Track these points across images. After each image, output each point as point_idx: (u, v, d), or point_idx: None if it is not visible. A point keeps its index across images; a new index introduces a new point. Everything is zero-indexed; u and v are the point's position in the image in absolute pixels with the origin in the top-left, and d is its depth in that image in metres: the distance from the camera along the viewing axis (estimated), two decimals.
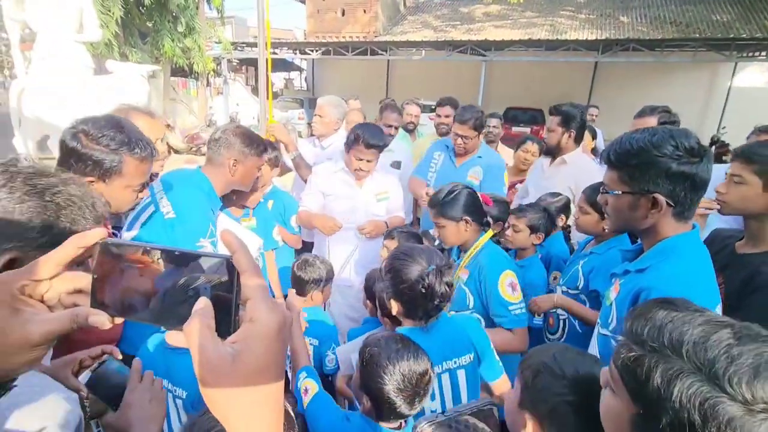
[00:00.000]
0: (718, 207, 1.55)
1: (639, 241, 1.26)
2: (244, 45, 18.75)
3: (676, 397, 0.51)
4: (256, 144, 1.84)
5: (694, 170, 1.05)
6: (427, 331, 1.32)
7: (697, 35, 13.93)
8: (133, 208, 1.70)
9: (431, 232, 2.26)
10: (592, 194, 1.79)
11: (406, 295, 1.29)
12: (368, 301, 1.92)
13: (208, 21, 14.53)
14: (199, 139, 10.47)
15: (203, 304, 0.40)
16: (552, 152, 2.67)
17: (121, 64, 4.09)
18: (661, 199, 1.08)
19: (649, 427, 0.53)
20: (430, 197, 1.84)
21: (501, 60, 15.94)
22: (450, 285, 1.30)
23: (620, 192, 1.14)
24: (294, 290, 1.81)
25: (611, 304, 1.22)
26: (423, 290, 1.25)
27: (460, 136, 2.69)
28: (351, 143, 2.29)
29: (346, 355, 1.65)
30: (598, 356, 1.15)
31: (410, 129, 4.30)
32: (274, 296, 2.42)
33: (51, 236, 0.68)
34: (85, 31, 3.89)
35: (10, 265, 0.64)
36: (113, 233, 1.50)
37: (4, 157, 0.76)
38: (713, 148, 10.05)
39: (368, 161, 2.31)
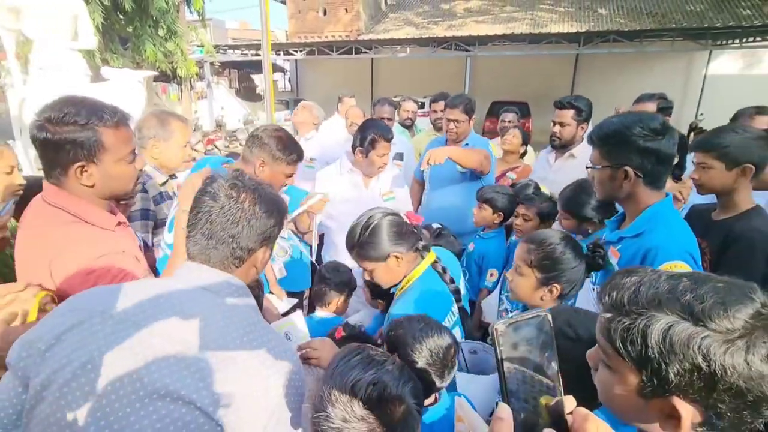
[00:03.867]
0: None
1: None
2: (226, 48, 18.57)
3: (677, 347, 0.54)
4: (290, 151, 1.81)
5: (657, 146, 1.28)
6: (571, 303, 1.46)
7: (674, 25, 14.33)
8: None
9: (433, 225, 2.30)
10: None
11: (573, 278, 1.34)
12: (365, 288, 1.91)
13: (188, 24, 14.35)
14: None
15: None
16: (564, 146, 2.69)
17: (117, 70, 4.06)
18: (630, 170, 1.32)
19: (658, 387, 0.57)
20: (347, 239, 1.47)
21: (484, 55, 16.12)
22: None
23: (601, 166, 1.38)
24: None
25: (615, 267, 1.39)
26: (600, 262, 1.39)
27: (452, 120, 2.72)
28: (371, 144, 2.30)
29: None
30: None
31: (408, 125, 4.37)
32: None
33: (280, 229, 1.00)
34: (80, 39, 3.85)
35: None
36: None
37: None
38: (692, 134, 10.26)
39: (387, 154, 2.38)
